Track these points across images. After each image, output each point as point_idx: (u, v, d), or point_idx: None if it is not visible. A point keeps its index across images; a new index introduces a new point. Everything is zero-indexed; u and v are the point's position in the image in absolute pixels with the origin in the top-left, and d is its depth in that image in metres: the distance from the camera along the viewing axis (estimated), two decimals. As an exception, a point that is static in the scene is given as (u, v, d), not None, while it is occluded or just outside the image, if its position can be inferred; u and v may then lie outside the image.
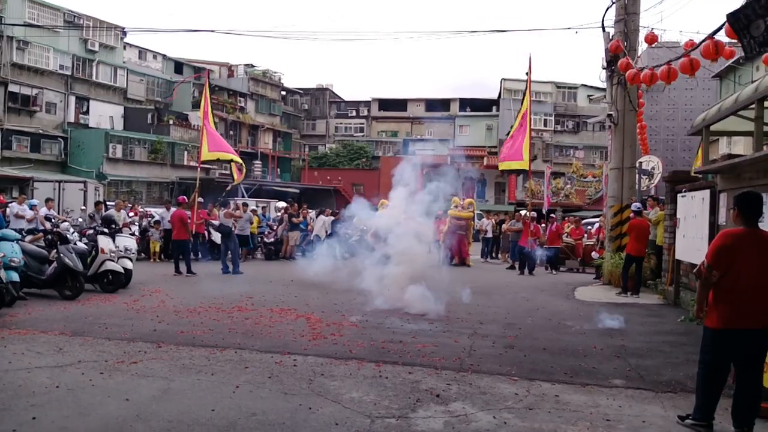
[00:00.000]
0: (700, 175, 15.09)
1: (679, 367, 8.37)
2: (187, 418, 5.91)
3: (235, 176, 23.12)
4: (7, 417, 5.80)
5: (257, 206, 29.64)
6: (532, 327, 11.37)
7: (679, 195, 14.62)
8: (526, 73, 22.31)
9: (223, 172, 37.55)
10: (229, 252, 19.64)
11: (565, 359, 8.76)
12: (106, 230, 14.93)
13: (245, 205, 24.09)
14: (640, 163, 21.98)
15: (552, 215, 25.65)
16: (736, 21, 7.97)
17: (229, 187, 28.95)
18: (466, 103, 71.87)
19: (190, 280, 17.10)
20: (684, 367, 8.31)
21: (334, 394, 6.76)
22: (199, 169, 22.11)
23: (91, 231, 15.11)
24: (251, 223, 23.74)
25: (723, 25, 8.76)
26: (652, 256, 17.13)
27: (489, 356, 8.83)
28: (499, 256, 28.70)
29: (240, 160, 22.80)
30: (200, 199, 21.27)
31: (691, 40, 14.34)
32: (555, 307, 14.16)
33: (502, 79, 66.74)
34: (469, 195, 35.85)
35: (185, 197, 20.11)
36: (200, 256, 22.11)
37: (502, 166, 23.52)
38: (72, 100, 47.19)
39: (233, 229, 20.14)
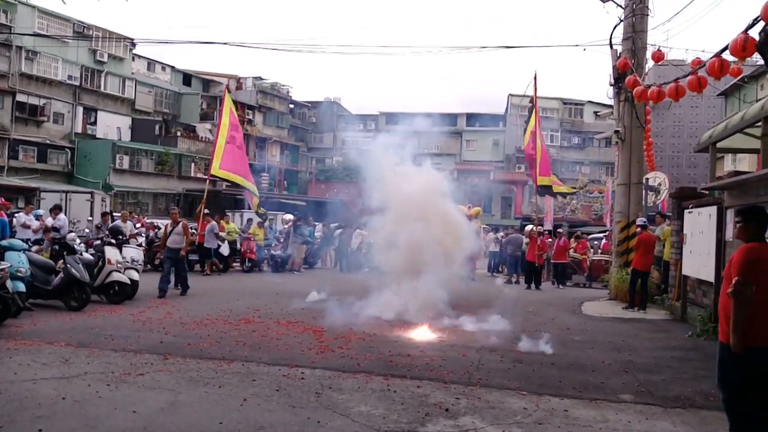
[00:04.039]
0: (707, 192, 15.11)
1: (687, 383, 8.35)
2: (195, 430, 5.90)
3: (252, 204, 22.24)
4: (13, 429, 5.80)
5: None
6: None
7: (686, 211, 14.61)
8: (531, 97, 21.63)
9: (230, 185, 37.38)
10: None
11: (573, 374, 8.74)
12: (113, 241, 14.93)
13: (208, 215, 22.50)
14: (647, 179, 21.94)
15: (559, 230, 25.54)
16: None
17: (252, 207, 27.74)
18: (474, 118, 71.85)
19: (195, 292, 16.96)
20: (692, 383, 8.30)
21: (342, 408, 6.75)
22: (208, 181, 21.74)
23: (97, 242, 15.10)
24: (216, 234, 22.47)
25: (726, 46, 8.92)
26: (656, 270, 17.12)
27: (497, 370, 8.81)
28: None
29: (252, 187, 21.62)
30: (206, 211, 21.17)
31: (698, 58, 14.43)
32: (562, 321, 14.11)
33: (510, 94, 66.84)
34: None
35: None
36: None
37: (545, 181, 22.37)
38: (80, 110, 47.48)
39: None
